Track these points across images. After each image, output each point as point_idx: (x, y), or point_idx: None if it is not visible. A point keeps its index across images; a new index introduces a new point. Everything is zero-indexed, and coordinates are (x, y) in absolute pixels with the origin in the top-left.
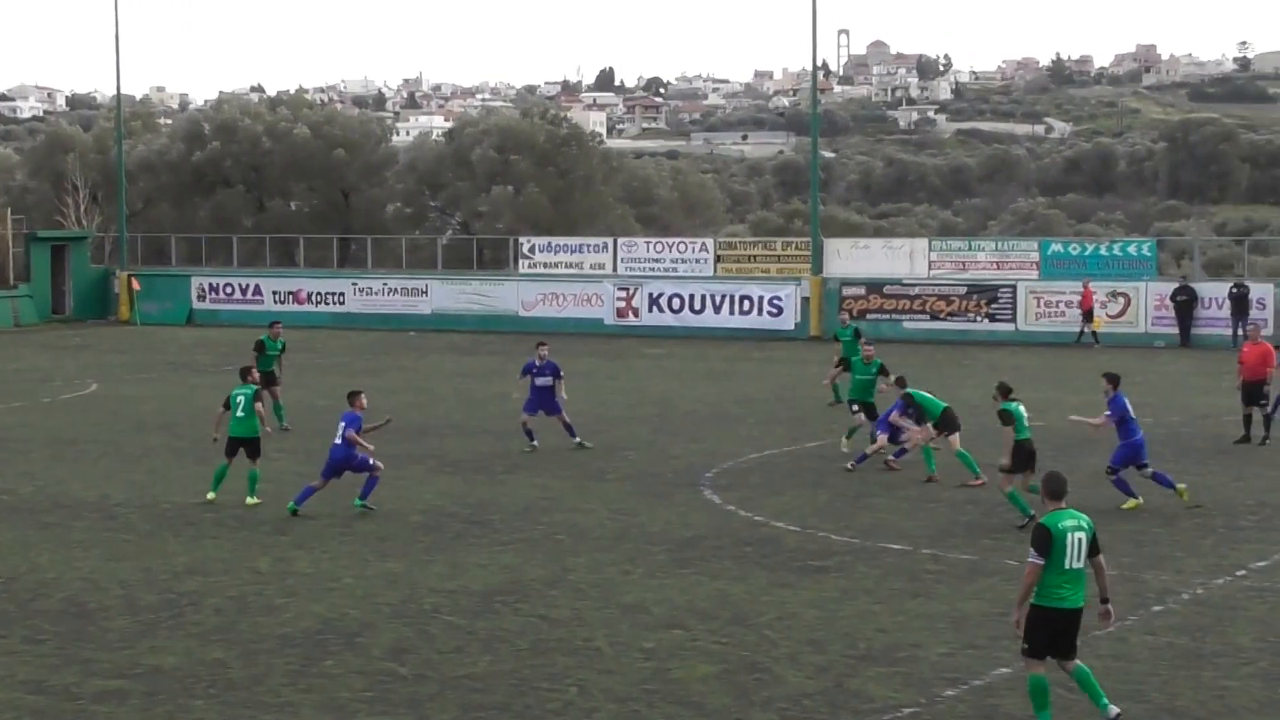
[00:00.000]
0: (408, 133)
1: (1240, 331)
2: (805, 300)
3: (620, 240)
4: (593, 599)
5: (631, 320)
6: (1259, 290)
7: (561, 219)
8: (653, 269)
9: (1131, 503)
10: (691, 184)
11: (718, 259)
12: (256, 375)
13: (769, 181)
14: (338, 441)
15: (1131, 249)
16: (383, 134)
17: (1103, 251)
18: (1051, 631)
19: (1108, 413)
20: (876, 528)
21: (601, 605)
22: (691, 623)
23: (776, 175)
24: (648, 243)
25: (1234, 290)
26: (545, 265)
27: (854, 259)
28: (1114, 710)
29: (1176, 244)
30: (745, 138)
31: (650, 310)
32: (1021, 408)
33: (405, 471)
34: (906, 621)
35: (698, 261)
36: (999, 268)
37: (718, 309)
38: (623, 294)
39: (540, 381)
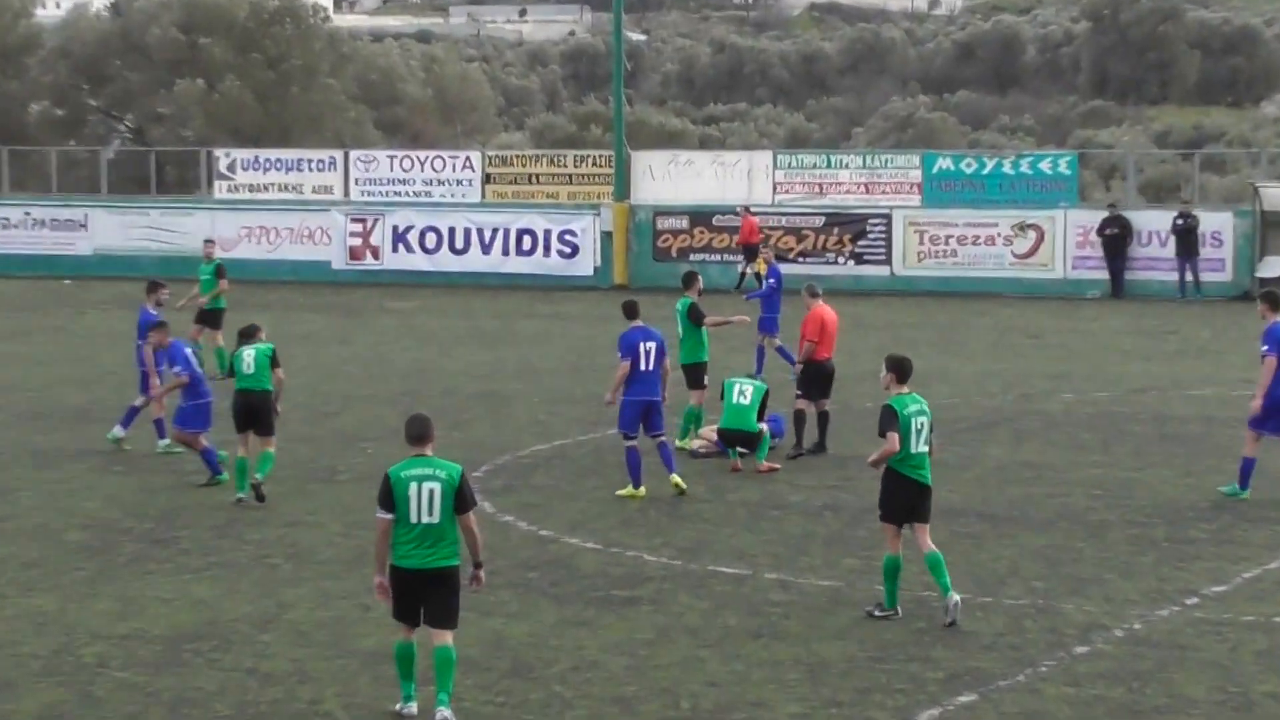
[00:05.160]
0: (58, 4)
1: (1189, 277)
2: (606, 235)
3: (354, 154)
4: (320, 645)
5: (370, 263)
6: (1212, 220)
7: (272, 125)
8: (399, 194)
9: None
10: (451, 77)
11: (487, 180)
12: None
13: (556, 74)
14: None
15: (1045, 166)
16: (23, 7)
17: (1007, 169)
18: (402, 592)
19: (1265, 348)
20: (704, 544)
21: (332, 653)
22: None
23: (566, 65)
24: (391, 157)
25: (1180, 221)
26: (250, 188)
27: (673, 179)
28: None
29: (1104, 159)
30: (523, 14)
31: (395, 250)
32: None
33: (59, 472)
34: (745, 671)
35: (460, 183)
36: (868, 191)
37: (487, 248)
38: (358, 228)
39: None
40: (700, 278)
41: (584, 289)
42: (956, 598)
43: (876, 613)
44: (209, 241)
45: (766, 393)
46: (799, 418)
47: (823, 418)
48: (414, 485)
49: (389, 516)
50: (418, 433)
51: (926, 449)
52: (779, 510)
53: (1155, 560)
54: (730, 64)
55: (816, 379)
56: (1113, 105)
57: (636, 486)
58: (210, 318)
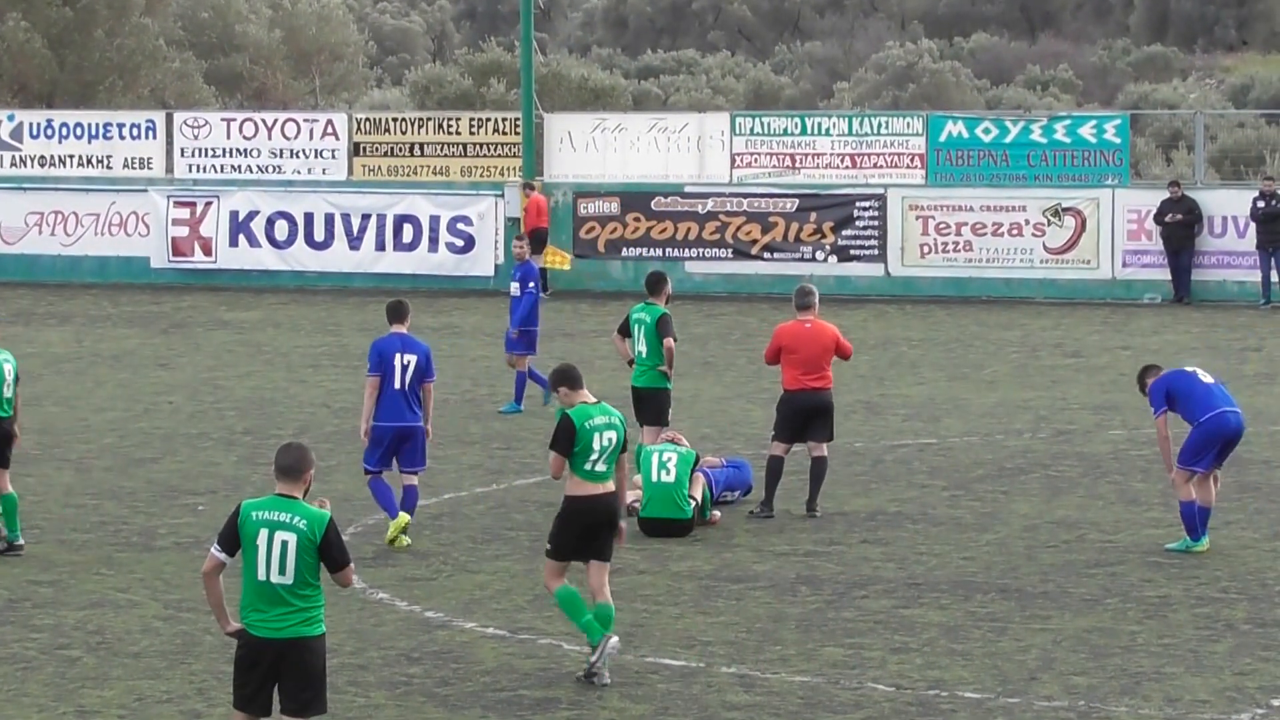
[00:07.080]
0: None
1: (1276, 277)
2: (512, 223)
3: (179, 117)
4: None
5: (201, 260)
6: None
7: (70, 79)
8: (238, 169)
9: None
10: (306, 16)
11: (355, 151)
12: None
13: (445, 12)
14: None
15: (1087, 132)
16: None
17: (1036, 136)
18: (247, 669)
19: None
20: (641, 628)
21: None
22: None
23: (459, 0)
24: (228, 121)
25: (1263, 204)
26: (41, 161)
27: (599, 150)
28: None
29: (1165, 123)
30: None
31: (235, 243)
32: None
33: None
34: None
35: (319, 155)
36: (855, 165)
37: (355, 240)
38: (184, 214)
39: None
40: (670, 282)
41: (482, 293)
42: (615, 640)
43: (594, 657)
44: None
45: (697, 459)
46: (773, 466)
47: (774, 464)
48: (264, 532)
49: (222, 557)
50: (287, 464)
51: (606, 469)
52: (740, 584)
53: (1232, 649)
54: None
55: (787, 414)
56: (1176, 53)
57: (394, 516)
58: None
